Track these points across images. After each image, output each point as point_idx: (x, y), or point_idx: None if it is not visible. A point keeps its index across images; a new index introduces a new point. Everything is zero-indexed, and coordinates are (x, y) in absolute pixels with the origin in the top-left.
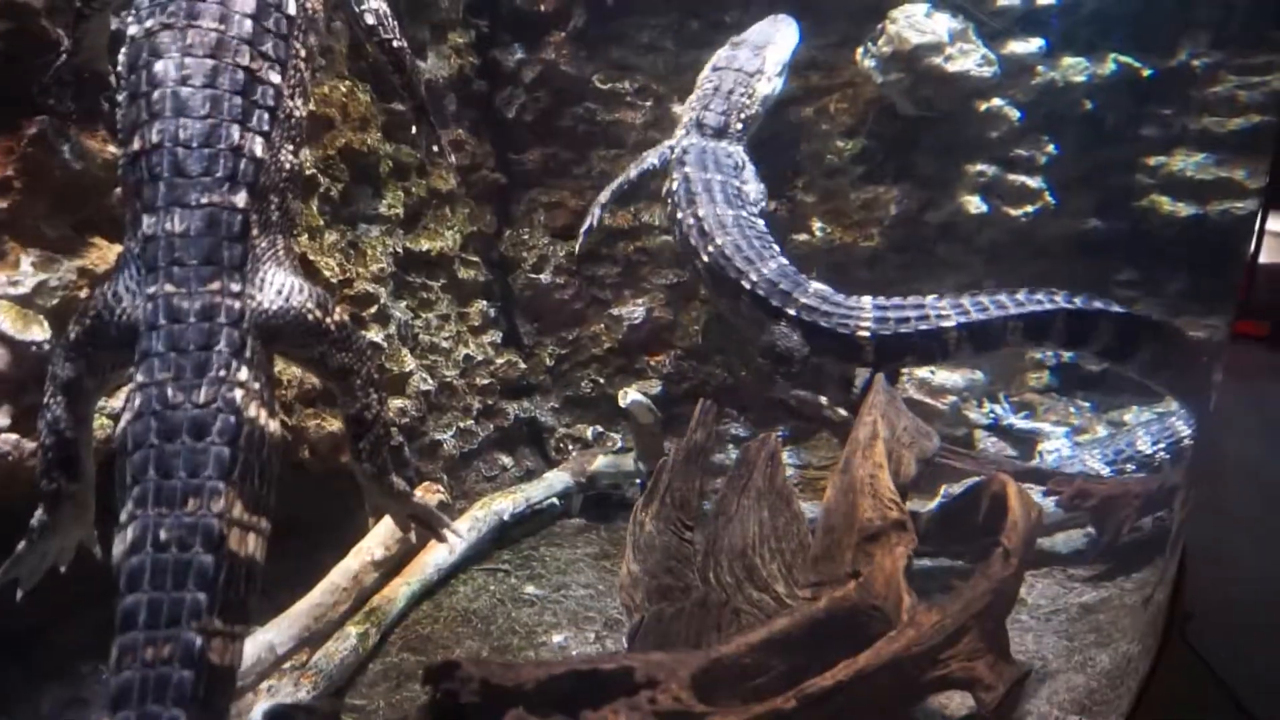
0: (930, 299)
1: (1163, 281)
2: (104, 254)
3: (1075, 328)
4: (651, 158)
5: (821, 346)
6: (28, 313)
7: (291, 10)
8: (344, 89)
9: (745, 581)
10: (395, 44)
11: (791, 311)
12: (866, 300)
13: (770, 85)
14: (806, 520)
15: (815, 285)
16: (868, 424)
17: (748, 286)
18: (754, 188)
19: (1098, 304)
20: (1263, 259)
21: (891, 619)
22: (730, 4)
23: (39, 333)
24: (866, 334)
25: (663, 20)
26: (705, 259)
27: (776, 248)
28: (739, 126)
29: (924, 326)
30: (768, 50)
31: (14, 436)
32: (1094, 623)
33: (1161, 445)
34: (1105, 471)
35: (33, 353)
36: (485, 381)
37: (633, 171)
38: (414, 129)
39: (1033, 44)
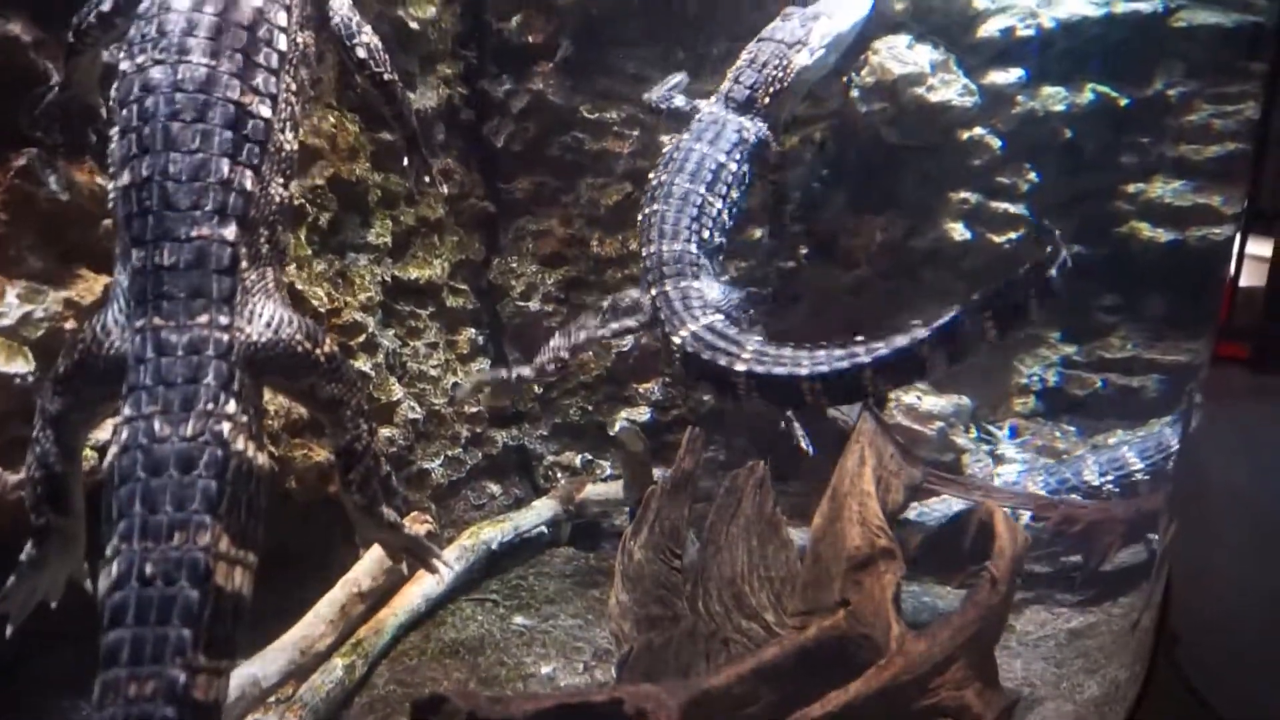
0: (755, 341)
1: (1144, 306)
2: (90, 285)
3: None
4: (679, 100)
5: (656, 334)
6: (12, 344)
7: (283, 45)
8: (332, 120)
9: (734, 610)
10: (386, 77)
11: (653, 292)
12: (707, 319)
13: (810, 58)
14: (795, 548)
15: (694, 284)
16: (855, 451)
17: (643, 256)
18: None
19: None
20: (1243, 282)
21: (881, 648)
22: (716, 36)
23: (22, 365)
24: (679, 341)
25: (649, 51)
26: (638, 220)
27: (710, 234)
28: (766, 101)
29: (720, 361)
30: (817, 22)
31: None
32: (1082, 648)
33: (1110, 477)
34: None
35: (16, 385)
36: (474, 409)
37: (658, 93)
38: (405, 160)
39: (1012, 74)
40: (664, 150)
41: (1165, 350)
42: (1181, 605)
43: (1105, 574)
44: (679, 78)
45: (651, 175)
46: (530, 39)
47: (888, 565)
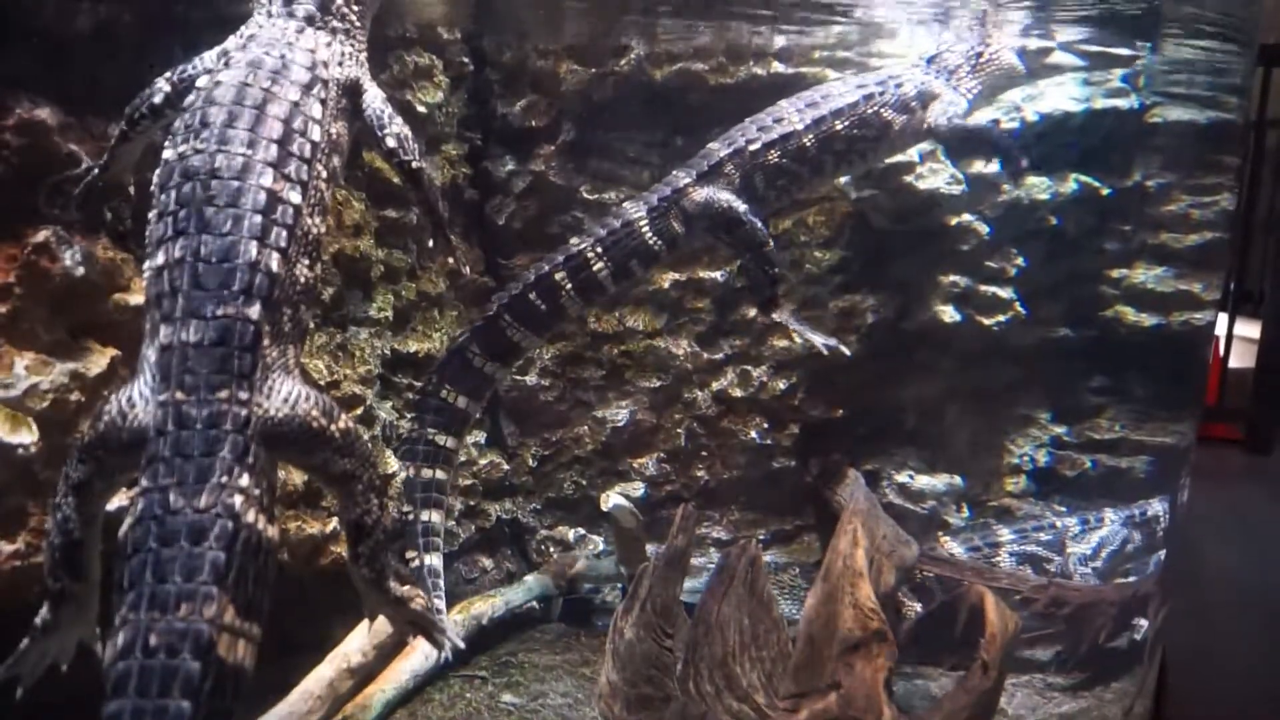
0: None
1: (1131, 388)
2: (96, 358)
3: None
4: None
5: None
6: (17, 415)
7: (316, 136)
8: (339, 198)
9: (725, 691)
10: (415, 165)
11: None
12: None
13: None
14: (787, 628)
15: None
16: (848, 532)
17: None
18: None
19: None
20: (1232, 363)
21: None
22: (714, 121)
23: (26, 435)
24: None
25: (649, 136)
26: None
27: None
28: (953, 58)
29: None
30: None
31: None
32: None
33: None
34: None
35: (18, 456)
36: (467, 482)
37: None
38: (432, 242)
39: (998, 164)
40: None
41: (1152, 432)
42: (1177, 692)
43: (1097, 657)
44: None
45: None
46: (533, 122)
47: (880, 648)
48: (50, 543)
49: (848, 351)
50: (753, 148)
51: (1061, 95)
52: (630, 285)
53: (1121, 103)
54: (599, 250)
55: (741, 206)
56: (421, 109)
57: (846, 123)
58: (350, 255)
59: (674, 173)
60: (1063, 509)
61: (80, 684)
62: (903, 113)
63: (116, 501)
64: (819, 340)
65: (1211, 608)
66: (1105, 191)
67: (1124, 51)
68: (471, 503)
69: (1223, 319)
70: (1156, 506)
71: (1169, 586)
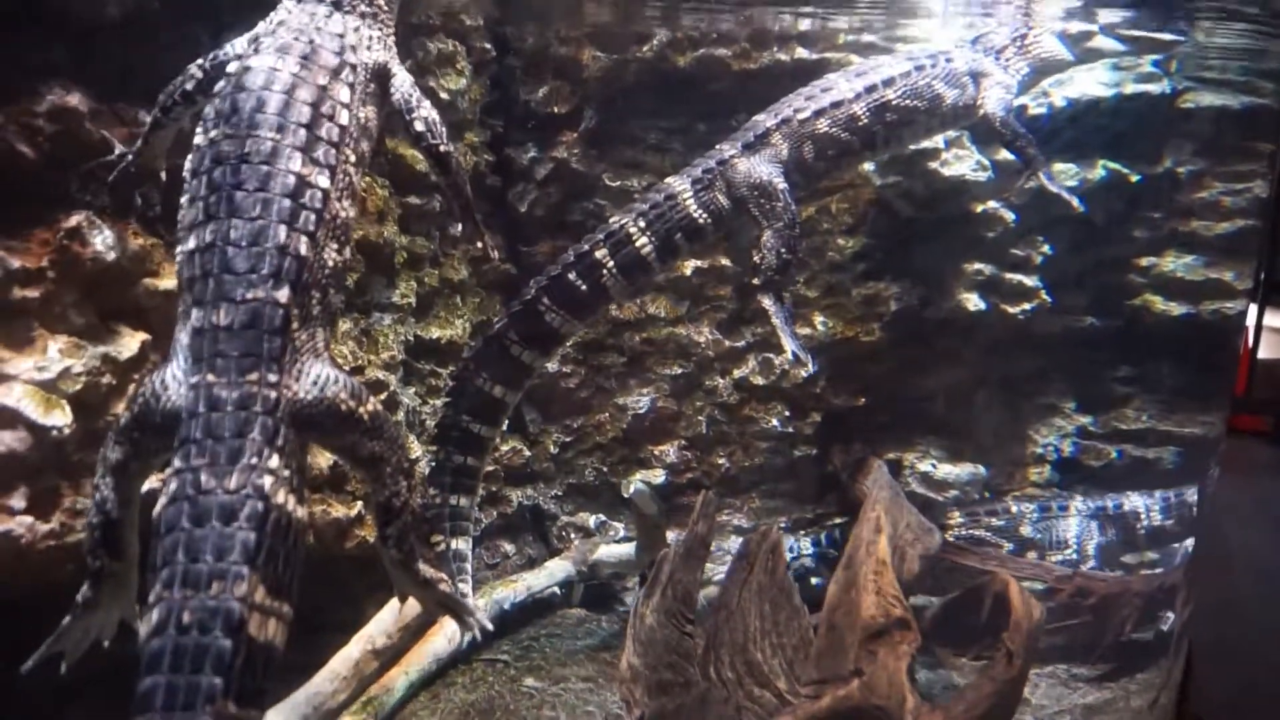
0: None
1: (1159, 378)
2: (127, 342)
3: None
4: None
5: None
6: (51, 397)
7: (344, 120)
8: (364, 184)
9: (746, 677)
10: (442, 149)
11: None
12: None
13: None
14: (808, 615)
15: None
16: (871, 520)
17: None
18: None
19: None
20: (1261, 354)
21: (895, 719)
22: (737, 107)
23: (60, 417)
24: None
25: (671, 123)
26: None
27: (778, 177)
28: (997, 39)
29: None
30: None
31: (29, 519)
32: None
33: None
34: None
35: (52, 437)
36: (490, 468)
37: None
38: (460, 226)
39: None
40: None
41: (1180, 422)
42: (1203, 685)
43: (1123, 648)
44: None
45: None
46: (555, 109)
47: (903, 636)
48: (90, 522)
49: (812, 367)
50: (801, 116)
51: (1091, 80)
52: (673, 266)
53: (1152, 88)
54: (641, 225)
55: (782, 184)
56: (444, 96)
57: (898, 92)
58: (373, 242)
59: (719, 145)
60: (1084, 498)
61: (124, 660)
62: (954, 87)
63: (150, 483)
64: (791, 345)
65: (1237, 600)
66: (1134, 178)
67: (1166, 36)
68: (493, 489)
69: (1251, 309)
70: (1136, 500)
71: (1195, 579)
